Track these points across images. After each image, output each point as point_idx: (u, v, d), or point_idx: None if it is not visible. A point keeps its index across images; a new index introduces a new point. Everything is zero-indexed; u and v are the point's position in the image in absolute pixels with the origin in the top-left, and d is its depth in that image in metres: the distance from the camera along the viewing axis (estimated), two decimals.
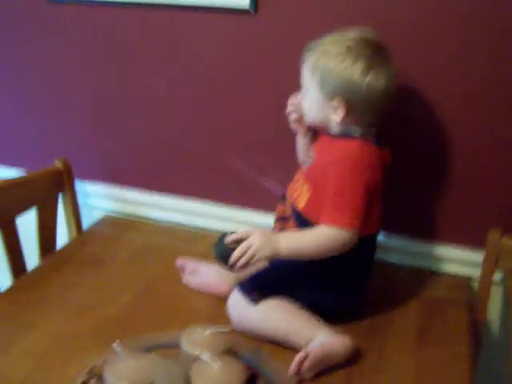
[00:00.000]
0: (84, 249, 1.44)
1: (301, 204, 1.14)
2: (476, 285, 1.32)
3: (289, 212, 1.18)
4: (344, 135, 1.12)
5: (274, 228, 1.22)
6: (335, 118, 1.10)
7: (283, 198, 1.22)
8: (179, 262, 1.30)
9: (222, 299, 1.17)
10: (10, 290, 1.25)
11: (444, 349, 1.12)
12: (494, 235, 1.25)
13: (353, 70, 1.05)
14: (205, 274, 1.26)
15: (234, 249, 1.06)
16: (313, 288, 1.13)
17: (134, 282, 1.29)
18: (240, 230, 1.09)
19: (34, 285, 1.26)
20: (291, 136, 1.25)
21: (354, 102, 1.08)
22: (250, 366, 0.94)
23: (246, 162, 1.44)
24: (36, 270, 1.34)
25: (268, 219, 1.33)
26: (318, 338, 1.05)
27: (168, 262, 1.35)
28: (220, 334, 0.92)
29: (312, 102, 1.12)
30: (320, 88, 1.09)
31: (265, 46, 1.35)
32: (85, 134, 1.59)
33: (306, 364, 1.00)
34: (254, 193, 1.47)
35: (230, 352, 0.92)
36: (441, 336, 1.16)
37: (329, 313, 1.12)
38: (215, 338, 0.91)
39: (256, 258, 1.06)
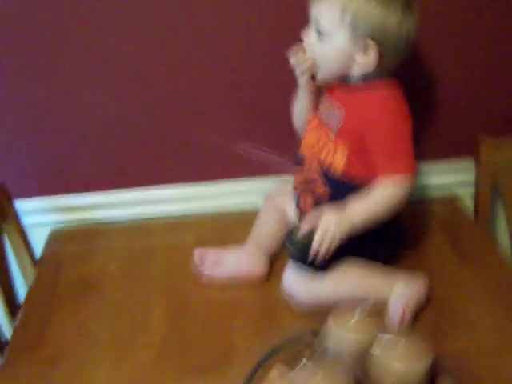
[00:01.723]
0: (61, 277, 1.17)
1: (337, 165, 1.05)
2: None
3: (315, 175, 1.09)
4: (367, 84, 1.04)
5: (299, 198, 1.13)
6: (365, 63, 1.01)
7: (298, 163, 1.12)
8: (198, 253, 1.14)
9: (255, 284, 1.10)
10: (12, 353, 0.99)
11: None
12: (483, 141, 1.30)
13: (388, 13, 0.98)
14: (233, 260, 1.13)
15: (310, 241, 0.96)
16: (369, 241, 1.06)
17: (154, 296, 1.10)
18: (307, 219, 0.99)
19: (35, 342, 1.01)
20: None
21: (387, 46, 1.00)
22: None
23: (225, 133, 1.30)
24: (23, 325, 1.07)
25: (248, 185, 1.29)
26: (400, 288, 1.02)
27: (170, 260, 1.20)
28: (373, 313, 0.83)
29: (336, 47, 1.01)
30: (352, 31, 0.99)
31: None
32: (9, 146, 1.29)
33: (407, 318, 0.99)
34: (226, 163, 1.34)
35: None
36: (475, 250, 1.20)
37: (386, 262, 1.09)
38: (369, 320, 0.81)
39: (336, 239, 0.97)
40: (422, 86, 1.30)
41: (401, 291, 1.02)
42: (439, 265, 1.16)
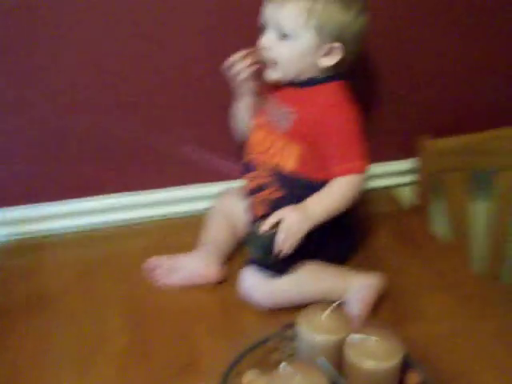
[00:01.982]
0: (10, 294, 1.11)
1: (289, 165, 1.07)
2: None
3: (266, 180, 1.10)
4: (320, 85, 1.06)
5: (252, 204, 1.14)
6: (327, 62, 1.04)
7: (247, 169, 1.13)
8: (152, 262, 1.13)
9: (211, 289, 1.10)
10: None
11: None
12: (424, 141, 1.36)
13: (349, 15, 1.01)
14: (188, 266, 1.13)
15: (272, 236, 0.97)
16: (325, 240, 1.09)
17: (110, 307, 1.08)
18: (269, 217, 1.00)
19: None
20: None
21: (348, 48, 1.04)
22: None
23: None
24: None
25: (196, 191, 1.30)
26: (356, 284, 1.06)
27: (122, 269, 1.17)
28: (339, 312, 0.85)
29: (300, 48, 1.03)
30: (318, 33, 1.01)
31: None
32: None
33: (364, 312, 1.03)
34: (173, 170, 1.33)
35: None
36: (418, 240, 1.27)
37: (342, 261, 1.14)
38: (338, 319, 0.83)
39: (299, 235, 0.99)
40: (364, 88, 1.33)
41: (357, 287, 1.05)
42: (388, 257, 1.21)
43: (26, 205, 1.26)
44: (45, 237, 1.27)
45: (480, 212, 1.50)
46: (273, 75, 1.07)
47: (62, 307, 1.08)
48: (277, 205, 1.07)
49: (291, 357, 0.87)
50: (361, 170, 1.04)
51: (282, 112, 1.09)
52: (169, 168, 1.32)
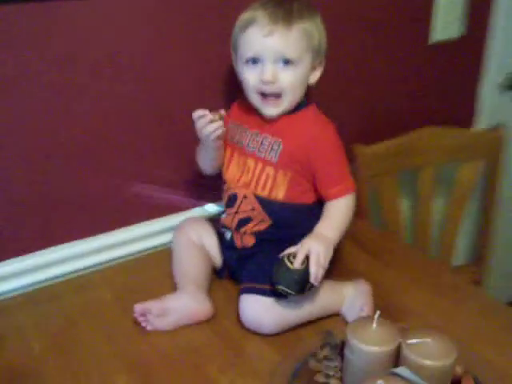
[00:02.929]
0: None
1: (280, 193, 1.08)
2: None
3: (251, 212, 1.10)
4: (302, 110, 1.09)
5: (238, 236, 1.13)
6: (314, 79, 1.08)
7: (230, 203, 1.12)
8: (139, 308, 1.05)
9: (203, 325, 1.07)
10: None
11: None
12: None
13: (322, 25, 1.05)
14: (179, 307, 1.06)
15: (305, 270, 0.97)
16: None
17: (108, 367, 0.98)
18: (289, 251, 1.00)
19: None
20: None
21: (324, 56, 1.08)
22: None
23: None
24: None
25: (155, 227, 1.26)
26: (351, 295, 1.08)
27: (101, 322, 1.09)
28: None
29: (301, 72, 1.04)
30: (315, 52, 1.04)
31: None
32: None
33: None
34: (124, 209, 1.26)
35: None
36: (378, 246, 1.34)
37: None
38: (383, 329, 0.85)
39: (327, 264, 1.00)
40: None
41: (352, 296, 1.08)
42: (358, 267, 1.24)
43: None
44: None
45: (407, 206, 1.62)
46: (274, 112, 1.06)
47: (47, 380, 0.96)
48: (265, 234, 1.09)
49: (337, 375, 0.87)
50: (354, 189, 1.08)
51: (267, 142, 1.08)
52: (119, 208, 1.25)
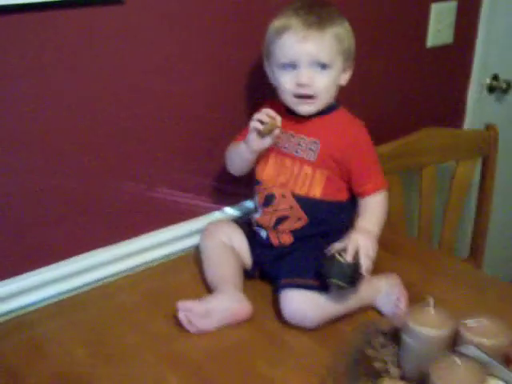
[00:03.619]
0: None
1: (317, 191, 1.12)
2: None
3: (287, 211, 1.13)
4: (332, 107, 1.14)
5: (275, 235, 1.15)
6: (344, 81, 1.13)
7: (266, 202, 1.15)
8: (182, 306, 1.05)
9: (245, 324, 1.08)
10: None
11: None
12: None
13: (351, 30, 1.11)
14: (221, 308, 1.07)
15: (356, 264, 1.02)
16: None
17: (158, 375, 0.98)
18: (338, 246, 1.04)
19: None
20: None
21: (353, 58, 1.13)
22: None
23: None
24: None
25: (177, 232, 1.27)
26: (384, 288, 1.12)
27: (138, 329, 1.08)
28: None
29: (334, 75, 1.09)
30: (347, 56, 1.09)
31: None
32: None
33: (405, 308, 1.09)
34: (149, 214, 1.27)
35: None
36: None
37: None
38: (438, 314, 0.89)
39: (373, 258, 1.05)
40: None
41: (385, 289, 1.11)
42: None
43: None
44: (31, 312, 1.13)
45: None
46: (309, 109, 1.11)
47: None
48: (302, 231, 1.13)
49: (394, 361, 0.90)
50: (387, 186, 1.15)
51: (304, 143, 1.12)
52: (144, 213, 1.26)
